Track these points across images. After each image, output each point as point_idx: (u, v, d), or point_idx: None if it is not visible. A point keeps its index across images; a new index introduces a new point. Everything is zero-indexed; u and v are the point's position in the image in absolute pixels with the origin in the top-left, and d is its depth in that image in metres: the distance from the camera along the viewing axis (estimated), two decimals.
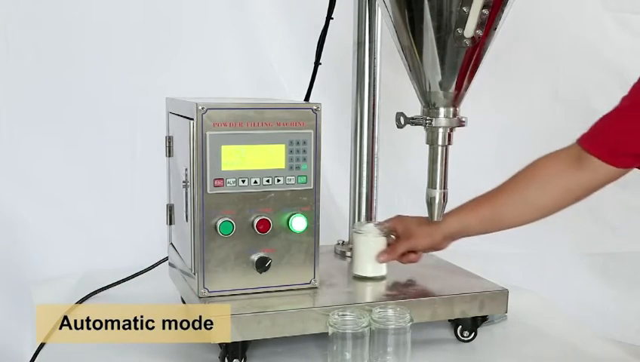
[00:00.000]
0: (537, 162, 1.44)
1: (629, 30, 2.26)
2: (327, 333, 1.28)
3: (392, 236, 1.51)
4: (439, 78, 1.40)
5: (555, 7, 2.21)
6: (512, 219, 1.45)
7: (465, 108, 1.46)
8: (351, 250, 1.58)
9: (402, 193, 2.16)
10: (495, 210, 1.44)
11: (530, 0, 1.97)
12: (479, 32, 1.33)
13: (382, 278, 1.50)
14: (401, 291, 1.43)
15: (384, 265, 1.50)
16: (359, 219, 1.68)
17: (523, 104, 2.28)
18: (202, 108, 1.28)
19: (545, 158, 1.44)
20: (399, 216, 1.54)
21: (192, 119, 1.29)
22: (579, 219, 2.26)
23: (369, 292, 1.50)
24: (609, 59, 2.27)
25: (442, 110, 1.43)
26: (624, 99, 1.40)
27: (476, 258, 1.90)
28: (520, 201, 1.43)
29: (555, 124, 2.31)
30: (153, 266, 1.66)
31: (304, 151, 1.35)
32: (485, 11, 1.32)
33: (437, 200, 1.46)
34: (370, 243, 1.49)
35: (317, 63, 1.65)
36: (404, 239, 1.48)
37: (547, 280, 2.16)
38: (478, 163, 2.22)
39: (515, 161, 2.28)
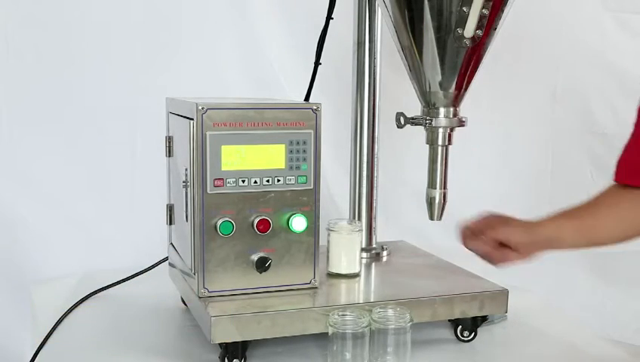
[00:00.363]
0: (613, 188, 1.38)
1: (629, 30, 2.26)
2: (327, 333, 1.28)
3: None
4: (439, 78, 1.40)
5: (554, 7, 2.21)
6: (609, 234, 1.37)
7: (464, 108, 1.46)
8: None
9: (402, 193, 2.16)
10: (594, 222, 1.36)
11: (530, 0, 1.97)
12: (479, 32, 1.33)
13: (356, 275, 1.50)
14: (401, 291, 1.43)
15: (357, 261, 1.51)
16: (359, 219, 1.68)
17: (522, 104, 2.28)
18: (202, 108, 1.28)
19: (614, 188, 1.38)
20: (491, 212, 1.43)
21: (192, 119, 1.29)
22: None
23: (369, 292, 1.50)
24: (608, 59, 2.27)
25: (442, 110, 1.43)
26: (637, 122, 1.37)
27: (476, 258, 1.90)
28: (619, 220, 1.36)
29: (554, 125, 2.31)
30: (153, 266, 1.66)
31: (304, 151, 1.35)
32: (485, 11, 1.32)
33: (437, 200, 1.46)
34: (344, 240, 1.50)
35: (317, 63, 1.65)
36: (500, 224, 1.38)
37: (546, 279, 2.16)
38: (478, 163, 2.22)
39: (514, 160, 2.30)
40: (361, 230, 1.56)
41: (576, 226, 1.36)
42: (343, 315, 1.28)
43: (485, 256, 1.40)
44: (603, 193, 1.39)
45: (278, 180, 1.34)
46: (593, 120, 2.31)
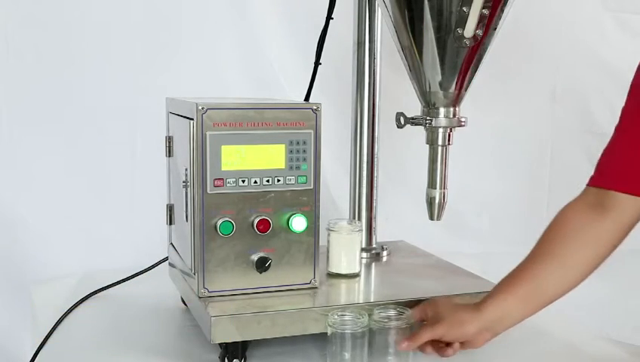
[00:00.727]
0: (558, 218, 1.31)
1: (629, 31, 2.26)
2: (327, 333, 1.28)
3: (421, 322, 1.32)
4: (439, 78, 1.40)
5: (554, 7, 2.21)
6: (554, 289, 1.27)
7: (464, 108, 1.46)
8: None
9: (402, 193, 2.16)
10: (535, 283, 1.26)
11: (530, 0, 1.97)
12: (479, 32, 1.33)
13: (356, 275, 1.50)
14: (401, 291, 1.43)
15: (357, 261, 1.51)
16: (359, 219, 1.68)
17: (521, 104, 2.28)
18: (202, 108, 1.28)
19: (564, 212, 1.31)
20: (434, 299, 1.34)
21: (192, 119, 1.29)
22: None
23: (369, 292, 1.50)
24: (608, 59, 2.27)
25: (442, 110, 1.43)
26: (619, 126, 1.29)
27: (476, 258, 1.91)
28: (560, 266, 1.27)
29: (553, 125, 2.31)
30: (153, 266, 1.66)
31: (304, 151, 1.35)
32: (485, 11, 1.32)
33: (437, 201, 1.46)
34: (344, 240, 1.50)
35: (317, 63, 1.65)
36: (429, 325, 1.28)
37: None
38: (477, 163, 2.22)
39: (513, 160, 2.30)
40: (361, 230, 1.57)
41: (518, 299, 1.26)
42: (342, 315, 1.28)
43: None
44: (536, 247, 1.30)
45: (278, 180, 1.34)
46: (592, 120, 2.31)
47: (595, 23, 2.25)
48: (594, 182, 1.29)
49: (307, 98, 1.65)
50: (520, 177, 2.32)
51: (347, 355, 1.27)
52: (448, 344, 1.28)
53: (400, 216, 2.16)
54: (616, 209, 1.24)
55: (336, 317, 1.28)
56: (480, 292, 1.42)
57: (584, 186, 1.33)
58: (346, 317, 1.28)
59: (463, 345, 1.28)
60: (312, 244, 1.37)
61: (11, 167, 1.92)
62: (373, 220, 1.70)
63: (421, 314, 1.32)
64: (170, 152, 1.51)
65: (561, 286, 1.28)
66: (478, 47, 1.36)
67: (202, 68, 2.01)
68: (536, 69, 2.26)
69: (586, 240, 1.27)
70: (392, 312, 1.30)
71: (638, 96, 1.28)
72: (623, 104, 2.36)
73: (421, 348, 1.28)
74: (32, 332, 1.72)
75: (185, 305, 1.54)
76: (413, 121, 1.46)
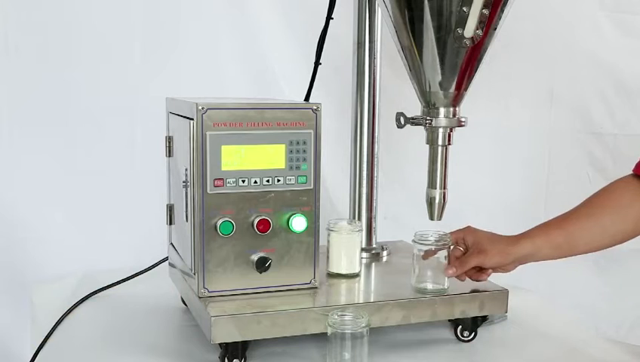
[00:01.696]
0: (610, 188, 1.42)
1: (626, 31, 2.27)
2: (327, 333, 1.28)
3: (460, 248, 1.45)
4: (439, 78, 1.40)
5: (551, 8, 2.21)
6: (586, 245, 1.41)
7: (463, 108, 1.46)
8: None
9: (402, 193, 2.16)
10: (568, 234, 1.40)
11: (528, 0, 1.97)
12: (479, 32, 1.33)
13: (356, 275, 1.50)
14: (401, 291, 1.43)
15: (357, 261, 1.51)
16: (359, 219, 1.68)
17: (519, 104, 2.28)
18: (202, 108, 1.28)
19: (618, 183, 1.42)
20: (470, 227, 1.47)
21: (192, 119, 1.29)
22: None
23: (369, 292, 1.50)
24: (606, 60, 2.27)
25: (442, 110, 1.43)
26: None
27: None
28: (594, 227, 1.40)
29: (551, 125, 2.32)
30: (153, 266, 1.66)
31: (304, 151, 1.35)
32: (485, 11, 1.32)
33: (437, 200, 1.46)
34: (344, 240, 1.50)
35: (317, 63, 1.65)
36: (474, 253, 1.41)
37: (546, 279, 2.16)
38: (475, 163, 2.22)
39: (511, 160, 2.30)
40: (361, 230, 1.57)
41: (550, 243, 1.39)
42: (342, 315, 1.28)
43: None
44: (590, 200, 1.42)
45: (278, 180, 1.34)
46: (590, 120, 2.32)
47: (592, 24, 2.26)
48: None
49: (307, 98, 1.65)
50: (518, 177, 2.32)
51: (347, 355, 1.27)
52: (482, 269, 1.42)
53: (400, 216, 2.16)
54: None
55: (336, 317, 1.28)
56: (480, 292, 1.42)
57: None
58: (346, 317, 1.28)
59: (495, 270, 1.43)
60: (312, 244, 1.37)
61: (11, 167, 1.92)
62: (373, 220, 1.70)
63: (458, 240, 1.45)
64: (170, 152, 1.51)
65: (591, 246, 1.41)
66: (478, 47, 1.36)
67: (202, 68, 2.01)
68: (534, 69, 2.26)
69: (627, 214, 1.38)
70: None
71: None
72: (620, 104, 2.37)
73: (465, 274, 1.42)
74: (32, 332, 1.72)
75: (185, 305, 1.54)
76: (413, 121, 1.46)
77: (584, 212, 1.41)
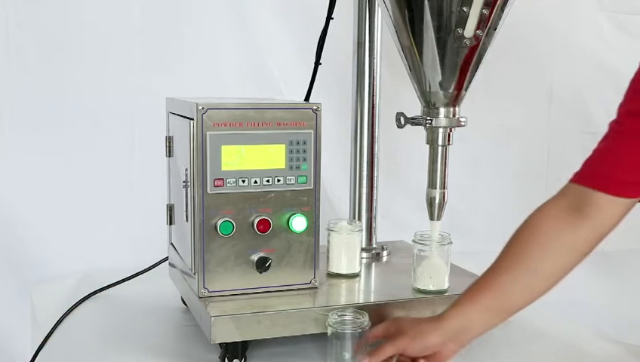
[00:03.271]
0: (531, 221, 1.24)
1: (626, 31, 2.26)
2: (327, 333, 1.29)
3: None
4: (439, 78, 1.40)
5: (551, 7, 2.21)
6: (521, 298, 1.22)
7: (463, 108, 1.46)
8: None
9: (402, 193, 2.16)
10: (499, 293, 1.21)
11: (528, 0, 1.97)
12: (479, 32, 1.33)
13: (356, 275, 1.50)
14: (401, 291, 1.43)
15: (357, 261, 1.51)
16: (359, 219, 1.68)
17: (518, 104, 2.28)
18: (202, 108, 1.28)
19: (538, 215, 1.24)
20: (397, 317, 1.30)
21: (192, 119, 1.29)
22: None
23: (369, 292, 1.50)
24: (605, 59, 2.27)
25: (442, 110, 1.43)
26: (613, 123, 1.26)
27: (475, 257, 1.91)
28: (526, 275, 1.21)
29: (551, 124, 2.32)
30: (153, 266, 1.66)
31: (304, 151, 1.35)
32: (485, 11, 1.32)
33: (437, 200, 1.46)
34: (344, 240, 1.50)
35: (317, 63, 1.65)
36: (390, 339, 1.23)
37: None
38: (474, 163, 2.23)
39: (510, 160, 2.30)
40: (361, 230, 1.57)
41: (481, 309, 1.21)
42: (342, 315, 1.28)
43: None
44: (511, 243, 1.24)
45: (278, 180, 1.34)
46: (589, 120, 2.32)
47: (591, 24, 2.26)
48: (579, 178, 1.23)
49: (307, 98, 1.65)
50: (518, 177, 2.32)
51: (347, 355, 1.27)
52: (414, 360, 1.23)
53: (400, 216, 2.16)
54: (596, 215, 1.18)
55: (336, 317, 1.28)
56: None
57: None
58: (346, 317, 1.28)
59: (428, 358, 1.22)
60: (312, 244, 1.37)
61: (11, 167, 1.92)
62: (373, 220, 1.70)
63: (384, 332, 1.27)
64: (170, 152, 1.51)
65: (528, 296, 1.22)
66: (478, 47, 1.36)
67: (202, 68, 2.01)
68: (533, 69, 2.26)
69: (558, 247, 1.21)
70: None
71: (637, 96, 1.25)
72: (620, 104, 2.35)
73: (379, 360, 1.22)
74: (32, 332, 1.72)
75: (185, 305, 1.54)
76: (413, 121, 1.46)
77: (509, 260, 1.22)
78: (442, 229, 1.46)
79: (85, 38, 1.92)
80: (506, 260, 1.23)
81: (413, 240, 1.44)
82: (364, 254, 1.64)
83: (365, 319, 1.27)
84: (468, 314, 1.21)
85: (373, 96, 1.65)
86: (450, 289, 1.42)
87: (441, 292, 1.41)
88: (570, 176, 1.30)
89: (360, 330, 1.26)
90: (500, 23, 1.37)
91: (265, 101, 1.42)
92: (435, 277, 1.42)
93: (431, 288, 1.42)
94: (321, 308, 1.32)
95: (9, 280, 1.94)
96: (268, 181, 1.34)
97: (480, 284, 1.24)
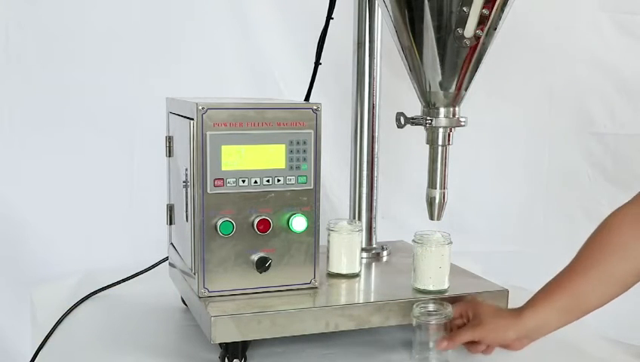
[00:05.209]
0: (607, 225, 1.26)
1: (626, 31, 2.27)
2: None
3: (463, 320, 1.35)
4: (439, 78, 1.40)
5: (551, 8, 2.21)
6: (597, 300, 1.26)
7: (463, 108, 1.46)
8: None
9: (402, 193, 2.16)
10: (575, 295, 1.26)
11: (528, 0, 1.97)
12: (479, 32, 1.33)
13: (356, 275, 1.50)
14: (402, 291, 1.43)
15: (357, 261, 1.51)
16: (359, 219, 1.68)
17: (519, 104, 2.29)
18: (202, 108, 1.28)
19: (615, 219, 1.26)
20: (475, 299, 1.37)
21: (192, 119, 1.29)
22: (574, 218, 2.27)
23: (369, 292, 1.50)
24: (605, 59, 2.28)
25: (442, 110, 1.43)
26: None
27: (475, 257, 1.91)
28: (601, 279, 1.24)
29: (551, 125, 2.32)
30: (153, 266, 1.66)
31: (304, 151, 1.35)
32: (485, 11, 1.32)
33: (437, 200, 1.46)
34: (344, 240, 1.50)
35: (317, 63, 1.65)
36: (470, 327, 1.31)
37: (543, 278, 2.17)
38: (475, 163, 2.23)
39: (511, 160, 2.30)
40: (361, 230, 1.56)
41: (557, 310, 1.26)
42: (426, 306, 1.33)
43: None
44: (587, 246, 1.28)
45: (278, 180, 1.34)
46: (590, 120, 2.32)
47: (592, 24, 2.26)
48: None
49: (307, 98, 1.65)
50: (518, 177, 2.32)
51: (432, 344, 1.32)
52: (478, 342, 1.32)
53: (400, 216, 2.16)
54: None
55: (420, 308, 1.32)
56: (480, 293, 1.42)
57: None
58: (430, 308, 1.33)
59: (503, 347, 1.32)
60: (312, 244, 1.37)
61: (12, 167, 1.92)
62: (373, 220, 1.70)
63: (461, 313, 1.35)
64: (170, 152, 1.51)
65: (601, 299, 1.26)
66: (478, 47, 1.36)
67: (202, 68, 2.01)
68: (534, 68, 2.26)
69: (629, 255, 1.23)
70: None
71: None
72: (620, 104, 2.36)
73: (465, 347, 1.33)
74: (32, 332, 1.72)
75: (185, 305, 1.54)
76: (413, 121, 1.46)
77: (585, 263, 1.26)
78: (442, 229, 1.46)
79: (85, 39, 1.93)
80: (582, 263, 1.27)
81: (413, 240, 1.44)
82: (364, 254, 1.64)
83: (449, 309, 1.32)
84: (544, 314, 1.27)
85: (373, 96, 1.65)
86: (450, 290, 1.42)
87: (441, 293, 1.41)
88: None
89: (444, 321, 1.31)
90: (500, 23, 1.37)
91: (265, 101, 1.42)
92: (434, 277, 1.42)
93: (431, 288, 1.42)
94: (321, 308, 1.32)
95: (9, 280, 1.94)
96: (268, 181, 1.34)
97: (555, 285, 1.28)
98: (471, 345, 1.32)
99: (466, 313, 1.35)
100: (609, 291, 1.25)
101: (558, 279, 1.29)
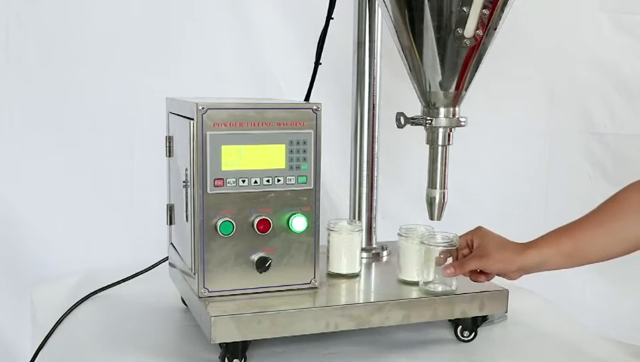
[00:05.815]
0: (620, 193, 1.35)
1: (627, 31, 2.27)
2: (326, 333, 1.29)
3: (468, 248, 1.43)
4: (439, 78, 1.40)
5: (551, 8, 2.21)
6: (596, 253, 1.34)
7: (463, 108, 1.46)
8: None
9: (402, 193, 2.16)
10: (578, 242, 1.34)
11: (529, 0, 1.97)
12: (479, 32, 1.33)
13: (356, 275, 1.50)
14: (402, 291, 1.43)
15: (357, 261, 1.51)
16: (359, 219, 1.68)
17: (519, 104, 2.29)
18: (202, 108, 1.28)
19: (629, 188, 1.34)
20: (481, 228, 1.43)
21: (192, 119, 1.29)
22: (574, 218, 2.27)
23: (369, 292, 1.50)
24: (606, 59, 2.28)
25: (442, 110, 1.43)
26: None
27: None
28: (605, 233, 1.33)
29: (552, 125, 2.32)
30: (153, 266, 1.66)
31: (304, 151, 1.35)
32: (485, 11, 1.32)
33: (437, 200, 1.46)
34: (344, 240, 1.50)
35: (317, 63, 1.65)
36: (476, 256, 1.38)
37: (543, 278, 2.17)
38: (475, 163, 2.23)
39: (511, 160, 2.31)
40: (361, 230, 1.57)
41: (559, 252, 1.34)
42: (434, 234, 1.42)
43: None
44: (600, 206, 1.36)
45: (278, 180, 1.34)
46: (590, 120, 2.32)
47: (593, 24, 2.26)
48: None
49: (307, 98, 1.65)
50: (518, 177, 2.32)
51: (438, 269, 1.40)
52: (483, 271, 1.39)
53: (400, 216, 2.16)
54: None
55: (429, 236, 1.42)
56: (480, 293, 1.42)
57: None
58: (437, 235, 1.42)
59: (499, 276, 1.39)
60: (312, 244, 1.37)
61: (11, 167, 1.92)
62: (373, 220, 1.70)
63: (467, 241, 1.42)
64: (170, 152, 1.51)
65: (604, 253, 1.34)
66: (478, 47, 1.36)
67: (202, 68, 2.01)
68: (534, 68, 2.27)
69: (638, 217, 1.31)
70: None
71: None
72: (620, 104, 2.37)
73: (465, 275, 1.39)
74: (32, 332, 1.72)
75: (185, 305, 1.54)
76: (413, 121, 1.46)
77: (594, 219, 1.35)
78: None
79: (86, 38, 1.93)
80: (591, 219, 1.35)
81: (398, 234, 1.49)
82: (364, 254, 1.64)
83: (456, 237, 1.40)
84: (546, 255, 1.34)
85: (373, 96, 1.65)
86: (457, 290, 1.42)
87: (450, 294, 1.41)
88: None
89: (451, 247, 1.39)
90: (500, 23, 1.37)
91: (265, 101, 1.42)
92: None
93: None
94: (321, 308, 1.32)
95: (9, 280, 1.94)
96: (268, 181, 1.34)
97: (562, 231, 1.36)
98: (473, 273, 1.39)
99: (471, 241, 1.41)
100: (613, 248, 1.33)
101: (566, 226, 1.36)
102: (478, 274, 1.39)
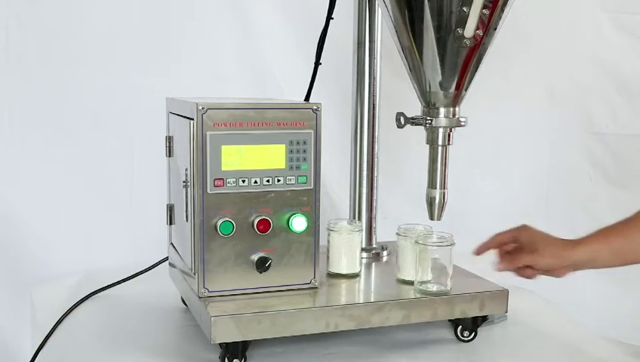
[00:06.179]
0: None
1: (627, 31, 2.27)
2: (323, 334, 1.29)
3: (512, 244, 1.46)
4: (439, 78, 1.40)
5: (551, 8, 2.21)
6: None
7: (463, 108, 1.46)
8: None
9: (402, 193, 2.16)
10: (627, 242, 1.36)
11: (529, 0, 1.97)
12: (479, 32, 1.33)
13: (356, 275, 1.50)
14: (402, 291, 1.43)
15: (357, 261, 1.51)
16: (359, 219, 1.68)
17: (520, 104, 2.28)
18: (202, 108, 1.28)
19: None
20: (526, 225, 1.46)
21: (192, 119, 1.29)
22: (575, 218, 2.27)
23: (369, 292, 1.50)
24: (606, 59, 2.28)
25: (442, 110, 1.43)
26: None
27: (476, 258, 1.91)
28: None
29: (552, 125, 2.32)
30: (153, 266, 1.66)
31: (304, 151, 1.35)
32: (485, 11, 1.32)
33: (437, 201, 1.46)
34: (344, 240, 1.50)
35: (317, 63, 1.65)
36: (527, 252, 1.41)
37: (544, 278, 2.17)
38: (475, 163, 2.23)
39: (512, 160, 2.31)
40: (361, 230, 1.57)
41: (609, 249, 1.35)
42: (429, 234, 1.43)
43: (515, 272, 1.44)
44: None
45: (278, 180, 1.34)
46: (591, 120, 2.32)
47: (593, 24, 2.26)
48: None
49: (307, 98, 1.65)
50: (519, 177, 2.32)
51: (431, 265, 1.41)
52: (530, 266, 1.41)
53: (400, 216, 2.16)
54: None
55: (425, 234, 1.42)
56: (480, 293, 1.42)
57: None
58: (434, 236, 1.42)
59: (547, 273, 1.42)
60: (312, 244, 1.37)
61: (11, 167, 1.92)
62: (373, 220, 1.70)
63: (514, 237, 1.44)
64: (170, 152, 1.51)
65: None
66: (478, 47, 1.36)
67: (202, 68, 2.01)
68: (534, 68, 2.26)
69: None
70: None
71: None
72: (621, 104, 2.37)
73: (515, 271, 1.43)
74: (32, 332, 1.72)
75: (185, 305, 1.54)
76: (413, 121, 1.46)
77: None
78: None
79: (86, 38, 1.93)
80: None
81: (397, 233, 1.49)
82: (364, 254, 1.64)
83: (451, 237, 1.40)
84: (596, 252, 1.36)
85: (373, 96, 1.65)
86: (458, 290, 1.42)
87: (444, 294, 1.41)
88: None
89: (446, 245, 1.40)
90: (500, 23, 1.37)
91: (265, 101, 1.42)
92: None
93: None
94: (321, 308, 1.32)
95: (9, 280, 1.94)
96: (268, 181, 1.34)
97: (612, 229, 1.38)
98: (520, 268, 1.41)
99: (518, 238, 1.43)
100: None
101: (614, 225, 1.38)
102: (524, 269, 1.41)
